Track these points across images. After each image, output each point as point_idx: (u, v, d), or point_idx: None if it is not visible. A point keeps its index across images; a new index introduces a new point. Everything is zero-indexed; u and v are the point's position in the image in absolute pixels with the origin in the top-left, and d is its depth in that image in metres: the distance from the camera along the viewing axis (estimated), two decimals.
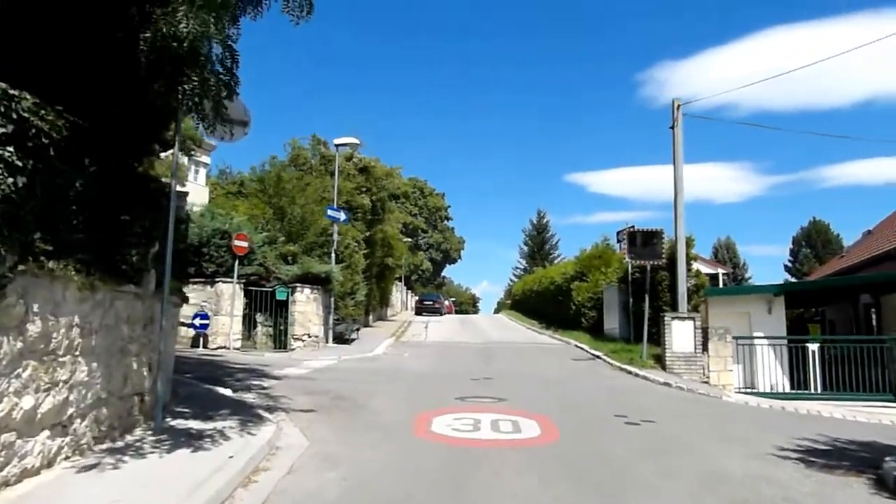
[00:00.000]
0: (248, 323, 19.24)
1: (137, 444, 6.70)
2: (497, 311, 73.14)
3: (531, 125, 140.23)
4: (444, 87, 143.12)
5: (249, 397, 10.53)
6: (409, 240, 57.38)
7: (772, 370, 16.91)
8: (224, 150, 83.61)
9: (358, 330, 23.18)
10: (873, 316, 21.75)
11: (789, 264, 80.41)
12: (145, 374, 7.53)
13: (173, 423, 7.82)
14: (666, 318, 16.49)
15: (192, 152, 31.84)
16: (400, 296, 54.36)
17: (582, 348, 20.67)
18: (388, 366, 16.45)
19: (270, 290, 18.74)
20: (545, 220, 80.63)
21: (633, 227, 18.06)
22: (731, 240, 78.93)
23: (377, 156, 29.34)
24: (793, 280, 72.78)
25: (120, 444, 6.65)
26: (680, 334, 16.47)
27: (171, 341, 8.83)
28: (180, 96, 6.79)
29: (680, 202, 17.76)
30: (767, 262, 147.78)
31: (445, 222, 77.45)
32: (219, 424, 7.84)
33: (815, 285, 23.91)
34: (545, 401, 11.61)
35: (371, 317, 32.24)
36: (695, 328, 16.48)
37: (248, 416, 8.62)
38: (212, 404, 9.25)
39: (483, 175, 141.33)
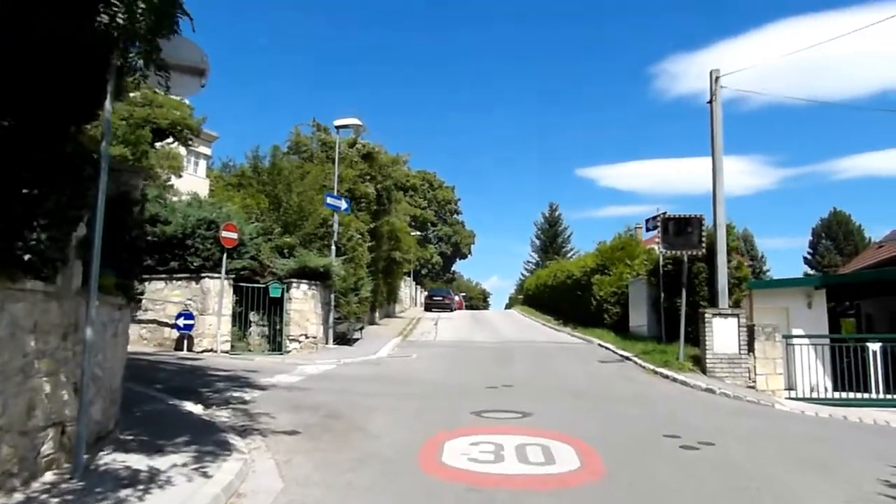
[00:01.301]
0: (242, 323, 17.50)
1: (42, 497, 4.91)
2: (508, 306, 71.34)
3: (541, 120, 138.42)
4: (451, 82, 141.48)
5: (222, 416, 8.74)
6: (419, 233, 55.61)
7: (812, 371, 15.01)
8: (229, 142, 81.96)
9: (361, 329, 21.37)
10: None
11: (809, 256, 78.15)
12: (66, 398, 5.73)
13: (107, 458, 6.03)
14: (706, 316, 14.59)
15: (190, 142, 30.21)
16: (409, 291, 52.63)
17: (607, 348, 18.78)
18: (393, 371, 14.64)
19: (264, 286, 16.97)
20: (557, 213, 78.68)
21: (665, 213, 16.18)
22: (748, 232, 76.25)
23: (384, 146, 27.48)
24: (812, 272, 70.62)
25: (18, 497, 4.87)
26: (722, 333, 14.58)
27: (116, 353, 7.03)
28: (101, 28, 5.00)
29: (719, 184, 15.83)
30: (784, 255, 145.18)
31: (455, 216, 75.73)
32: (166, 461, 6.05)
33: (862, 277, 21.87)
34: (577, 416, 9.77)
35: (377, 314, 30.46)
36: (739, 326, 14.58)
37: (212, 444, 6.82)
38: (170, 428, 7.46)
39: (493, 171, 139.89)
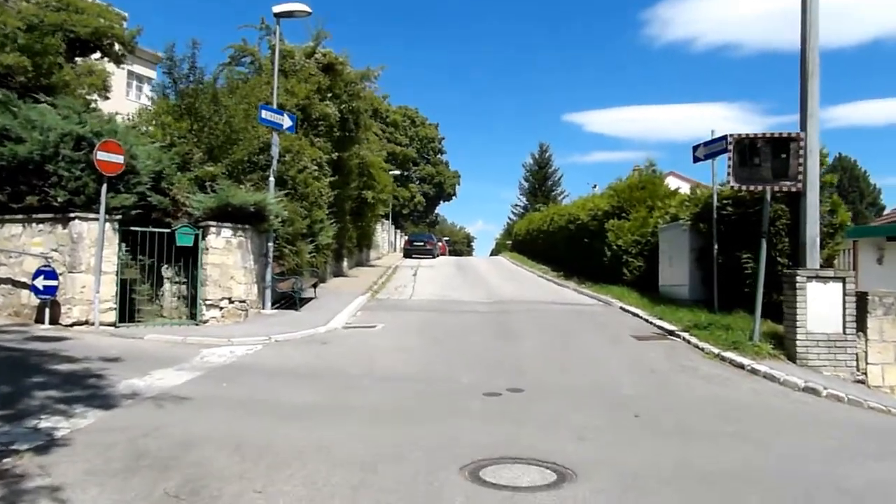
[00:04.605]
0: (153, 279, 12.83)
1: None
2: (495, 252, 66.92)
3: (528, 65, 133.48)
4: (435, 20, 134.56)
5: None
6: (398, 171, 50.54)
7: None
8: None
9: (315, 285, 16.62)
10: None
11: None
12: None
13: None
14: (798, 279, 10.08)
15: (123, 58, 24.83)
16: (387, 236, 48.00)
17: (636, 315, 14.31)
18: (343, 358, 9.95)
19: (170, 232, 12.20)
20: (548, 155, 73.62)
21: (739, 134, 11.34)
22: None
23: (350, 59, 22.14)
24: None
25: None
26: (819, 304, 10.11)
27: None
28: None
29: (811, 92, 11.11)
30: None
31: (439, 155, 70.55)
32: None
33: None
34: (653, 476, 5.28)
35: (346, 263, 25.78)
36: (844, 295, 10.11)
37: None
38: None
39: (478, 114, 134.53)
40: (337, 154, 20.67)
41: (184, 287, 13.60)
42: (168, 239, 12.27)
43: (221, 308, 12.36)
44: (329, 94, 19.71)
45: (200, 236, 12.32)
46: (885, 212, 42.23)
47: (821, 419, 7.73)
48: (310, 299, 15.73)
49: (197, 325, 12.11)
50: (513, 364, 9.60)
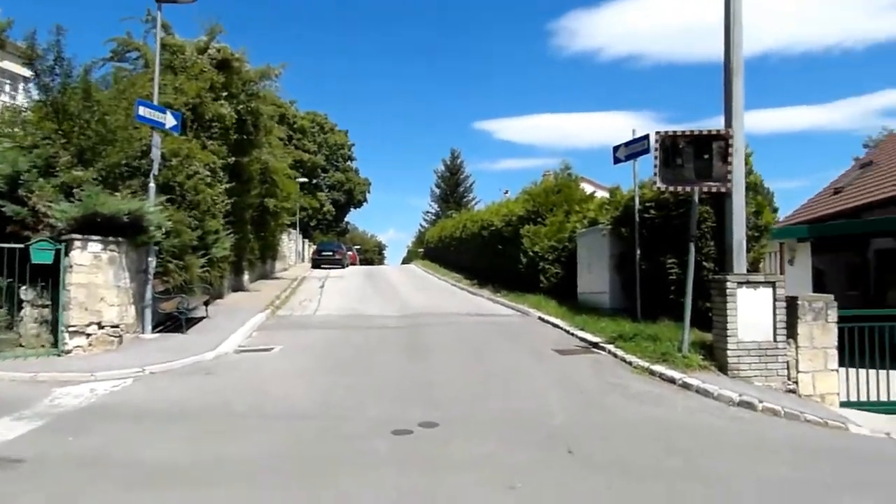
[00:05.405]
0: (11, 302, 10.97)
1: None
2: (406, 260, 65.86)
3: (437, 72, 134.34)
4: (343, 27, 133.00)
5: None
6: (305, 179, 48.68)
7: None
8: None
9: (207, 303, 14.94)
10: None
11: None
12: None
13: None
14: (728, 285, 9.49)
15: None
16: (294, 246, 45.97)
17: (556, 325, 13.52)
18: (227, 393, 8.45)
19: (22, 247, 10.40)
20: (459, 161, 73.41)
21: (666, 131, 10.65)
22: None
23: (248, 55, 20.50)
24: None
25: None
26: (749, 310, 9.55)
27: None
28: None
29: (736, 89, 10.62)
30: None
31: (349, 162, 68.88)
32: None
33: (877, 225, 17.32)
34: None
35: (247, 276, 23.96)
36: (775, 301, 9.59)
37: None
38: None
39: (387, 123, 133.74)
40: (234, 158, 19.01)
41: (47, 311, 11.76)
42: (25, 256, 10.49)
43: (89, 335, 10.63)
44: (224, 94, 18.06)
45: (63, 252, 10.57)
46: (782, 215, 43.98)
47: (764, 439, 7.03)
48: (200, 319, 14.09)
49: (59, 355, 10.35)
50: (427, 390, 8.48)
